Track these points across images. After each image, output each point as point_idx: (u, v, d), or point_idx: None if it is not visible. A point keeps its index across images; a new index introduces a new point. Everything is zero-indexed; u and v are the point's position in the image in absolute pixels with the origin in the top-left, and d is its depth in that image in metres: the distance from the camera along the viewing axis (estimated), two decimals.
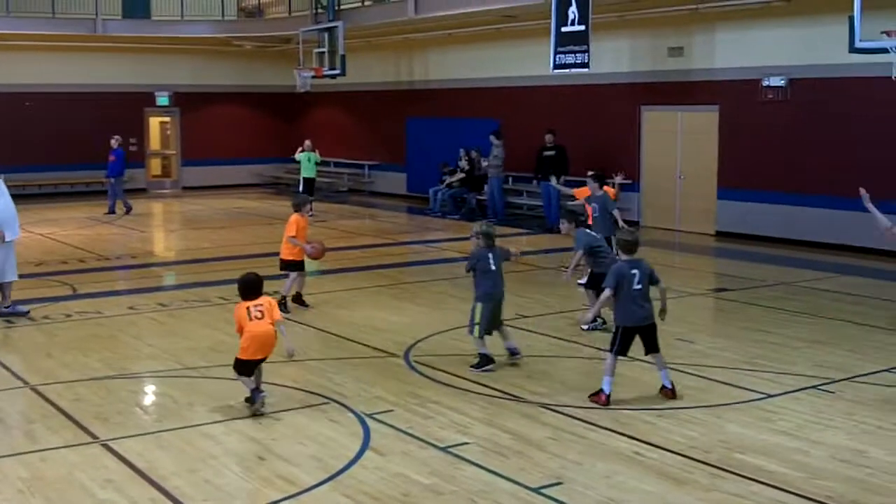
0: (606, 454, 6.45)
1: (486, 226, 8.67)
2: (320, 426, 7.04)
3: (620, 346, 7.51)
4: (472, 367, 8.46)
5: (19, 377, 8.43)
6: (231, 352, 9.14)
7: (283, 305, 10.85)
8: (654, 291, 7.60)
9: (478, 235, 8.54)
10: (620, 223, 12.53)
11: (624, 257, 7.62)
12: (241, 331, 7.34)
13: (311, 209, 20.64)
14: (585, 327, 9.81)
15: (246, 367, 7.34)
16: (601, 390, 7.49)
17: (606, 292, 7.51)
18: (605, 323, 9.63)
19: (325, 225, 19.05)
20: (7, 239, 10.63)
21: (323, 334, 9.96)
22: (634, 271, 7.44)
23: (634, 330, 7.49)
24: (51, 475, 6.15)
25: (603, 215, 12.29)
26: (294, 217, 10.89)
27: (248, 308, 7.30)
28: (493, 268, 8.52)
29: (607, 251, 9.80)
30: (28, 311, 10.81)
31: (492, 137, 19.97)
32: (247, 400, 7.36)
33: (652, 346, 7.60)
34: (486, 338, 8.57)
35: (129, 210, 21.37)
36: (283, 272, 11.13)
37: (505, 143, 19.99)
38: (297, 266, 10.96)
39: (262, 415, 7.20)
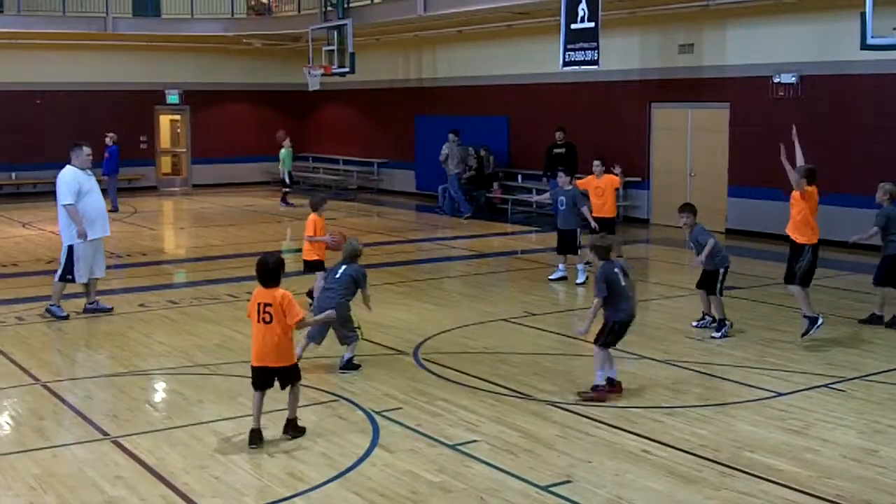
0: (615, 452, 6.44)
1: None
2: (329, 423, 7.05)
3: (611, 340, 7.64)
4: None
5: (30, 374, 8.46)
6: (241, 349, 9.21)
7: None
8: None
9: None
10: (591, 221, 12.63)
11: (603, 262, 7.63)
12: (249, 315, 6.69)
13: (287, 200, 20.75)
14: (716, 334, 9.55)
15: (253, 377, 6.69)
16: (596, 386, 7.56)
17: (598, 301, 7.51)
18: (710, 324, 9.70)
19: (334, 223, 19.00)
20: (93, 237, 10.58)
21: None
22: (617, 270, 7.57)
23: (627, 324, 7.65)
24: (62, 472, 6.17)
25: (570, 209, 12.44)
26: (312, 217, 10.76)
27: (258, 305, 6.50)
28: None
29: (724, 252, 9.74)
30: (112, 308, 10.94)
31: (450, 135, 20.46)
32: (251, 442, 6.55)
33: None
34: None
35: (114, 209, 21.20)
36: (307, 272, 11.09)
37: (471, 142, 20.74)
38: (320, 266, 10.87)
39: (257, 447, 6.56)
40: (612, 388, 7.61)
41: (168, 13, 25.87)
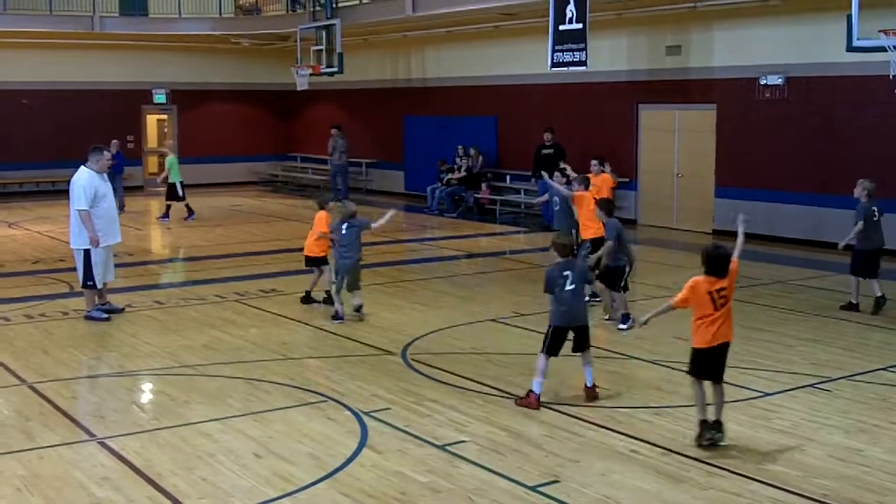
0: (603, 452, 6.46)
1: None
2: (317, 424, 7.04)
3: (552, 346, 7.44)
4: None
5: (16, 375, 8.41)
6: (228, 349, 9.20)
7: (329, 301, 10.82)
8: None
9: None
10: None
11: (559, 259, 7.53)
12: (684, 303, 6.61)
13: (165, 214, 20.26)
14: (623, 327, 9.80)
15: (703, 362, 6.63)
16: (531, 391, 7.38)
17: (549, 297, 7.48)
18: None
19: None
20: (106, 244, 10.46)
21: (320, 332, 9.96)
22: (567, 273, 7.42)
23: (566, 330, 7.47)
24: (48, 473, 6.14)
25: (564, 210, 12.39)
26: (321, 214, 10.99)
27: (710, 293, 6.48)
28: None
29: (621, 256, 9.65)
30: (123, 308, 10.86)
31: (334, 130, 23.07)
32: (702, 436, 6.55)
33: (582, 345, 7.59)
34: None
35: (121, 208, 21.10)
36: (308, 268, 11.31)
37: (347, 135, 23.40)
38: (323, 261, 11.10)
39: (712, 446, 6.51)
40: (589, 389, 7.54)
41: (155, 12, 25.77)
